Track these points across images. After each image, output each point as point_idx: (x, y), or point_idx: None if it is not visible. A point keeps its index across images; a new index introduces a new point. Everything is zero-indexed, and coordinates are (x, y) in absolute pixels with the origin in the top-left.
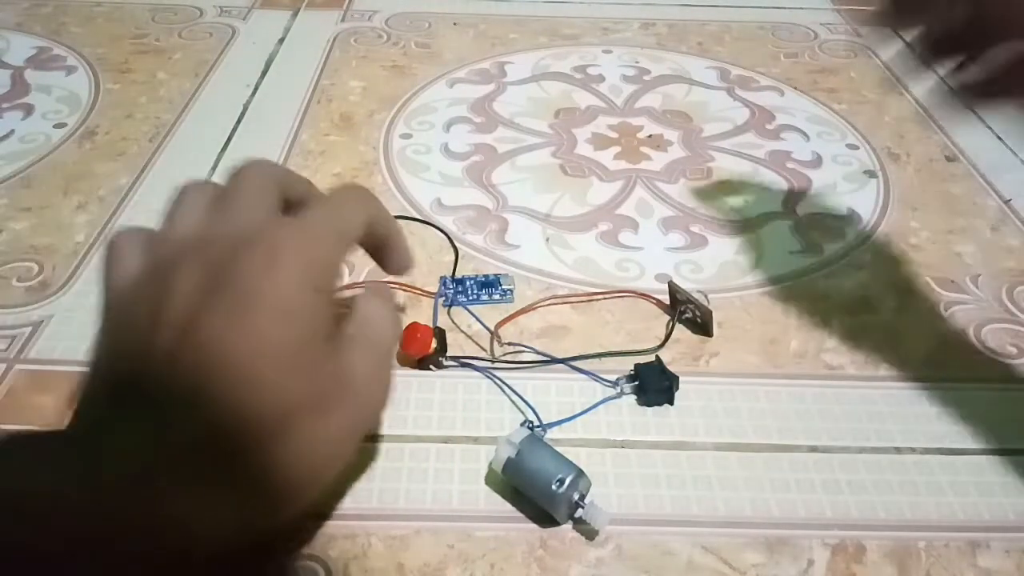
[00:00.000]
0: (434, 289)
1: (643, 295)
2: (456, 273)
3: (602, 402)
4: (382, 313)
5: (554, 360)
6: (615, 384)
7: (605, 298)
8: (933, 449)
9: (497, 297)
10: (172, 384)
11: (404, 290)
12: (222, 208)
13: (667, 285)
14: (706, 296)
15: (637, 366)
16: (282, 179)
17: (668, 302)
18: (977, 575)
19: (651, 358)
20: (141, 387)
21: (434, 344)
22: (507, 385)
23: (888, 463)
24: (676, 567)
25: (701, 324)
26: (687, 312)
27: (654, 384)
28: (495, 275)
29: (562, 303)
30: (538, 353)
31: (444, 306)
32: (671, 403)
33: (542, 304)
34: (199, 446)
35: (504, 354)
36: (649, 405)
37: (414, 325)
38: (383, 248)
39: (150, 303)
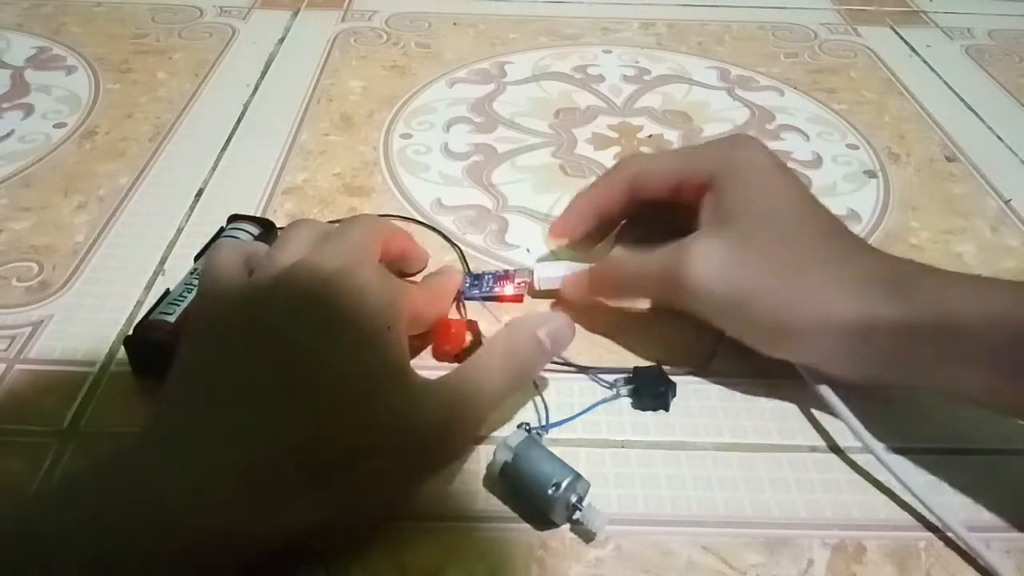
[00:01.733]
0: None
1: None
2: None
3: (600, 403)
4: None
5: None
6: (612, 386)
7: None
8: (933, 449)
9: (510, 291)
10: (267, 389)
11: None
12: (324, 246)
13: None
14: None
15: (636, 369)
16: (384, 233)
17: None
18: (978, 575)
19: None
20: (237, 392)
21: (469, 337)
22: None
23: (887, 463)
24: (676, 567)
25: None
26: None
27: (649, 389)
28: (515, 269)
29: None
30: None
31: (463, 300)
32: (666, 409)
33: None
34: (297, 450)
35: None
36: (643, 409)
37: (446, 320)
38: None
39: (250, 316)
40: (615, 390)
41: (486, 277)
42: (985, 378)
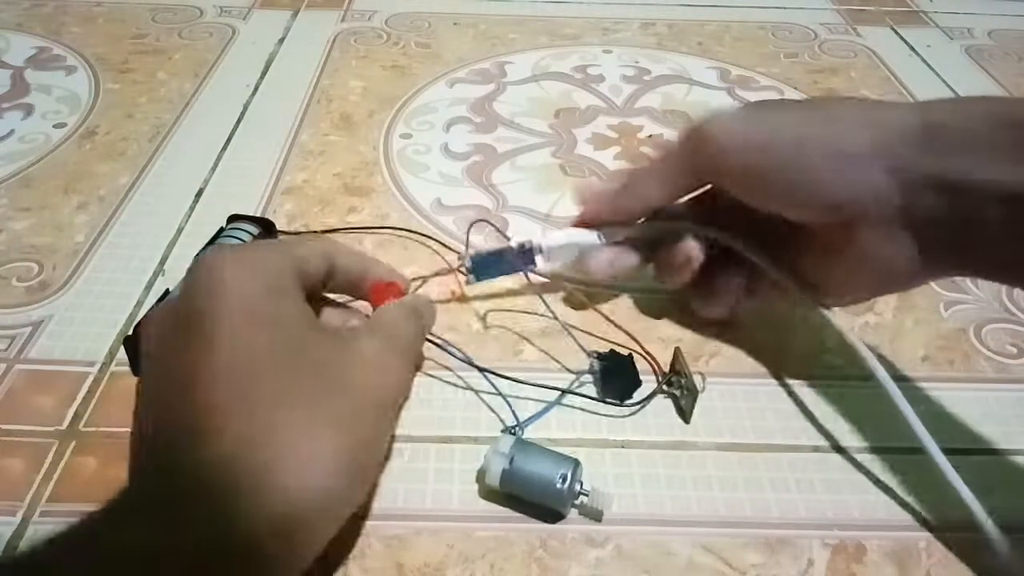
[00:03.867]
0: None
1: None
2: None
3: (571, 389)
4: (398, 314)
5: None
6: (584, 372)
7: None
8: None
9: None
10: (167, 432)
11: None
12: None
13: (674, 350)
14: (703, 379)
15: (612, 351)
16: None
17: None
18: (978, 575)
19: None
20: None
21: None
22: (484, 384)
23: (888, 463)
24: (676, 567)
25: (681, 405)
26: (675, 385)
27: (617, 374)
28: (519, 244)
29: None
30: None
31: (468, 284)
32: (629, 397)
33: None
34: (204, 478)
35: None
36: (606, 397)
37: (394, 285)
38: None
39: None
40: (590, 364)
41: (490, 259)
42: None
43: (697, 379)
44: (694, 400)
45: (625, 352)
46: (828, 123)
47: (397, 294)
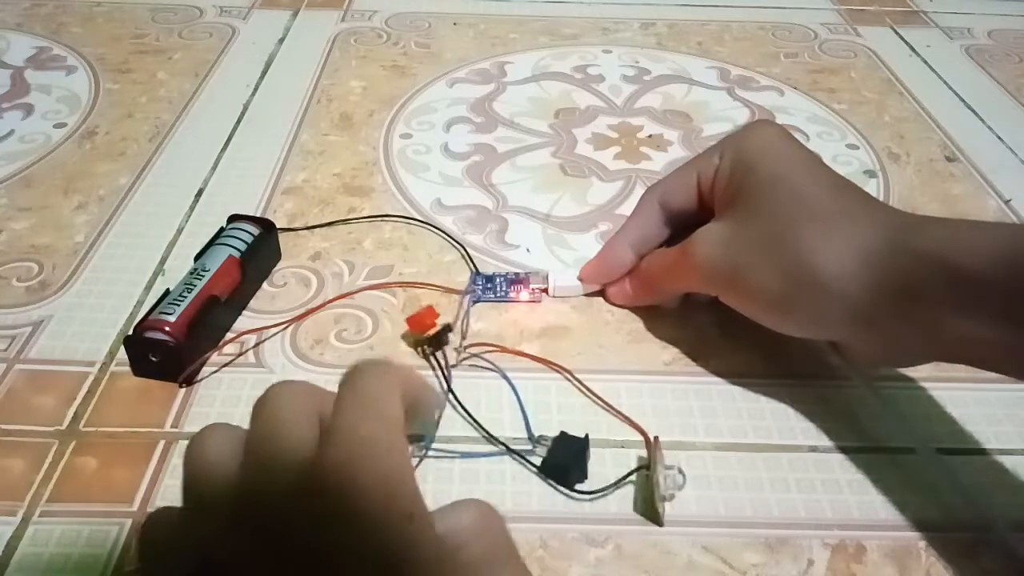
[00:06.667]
0: (448, 285)
1: None
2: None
3: (517, 450)
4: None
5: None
6: (535, 441)
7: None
8: (933, 449)
9: (525, 297)
10: None
11: (423, 287)
12: (254, 456)
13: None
14: (684, 476)
15: (563, 433)
16: (317, 402)
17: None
18: (978, 575)
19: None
20: None
21: (432, 332)
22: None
23: (888, 463)
24: (676, 567)
25: (648, 500)
26: (657, 476)
27: (560, 455)
28: (525, 273)
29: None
30: (495, 365)
31: (471, 302)
32: (567, 487)
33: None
34: None
35: (462, 359)
36: (546, 474)
37: (431, 309)
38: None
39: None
40: (533, 445)
41: (498, 280)
42: (1000, 331)
43: (673, 474)
44: (661, 499)
45: (581, 434)
46: (799, 253)
47: (432, 316)
